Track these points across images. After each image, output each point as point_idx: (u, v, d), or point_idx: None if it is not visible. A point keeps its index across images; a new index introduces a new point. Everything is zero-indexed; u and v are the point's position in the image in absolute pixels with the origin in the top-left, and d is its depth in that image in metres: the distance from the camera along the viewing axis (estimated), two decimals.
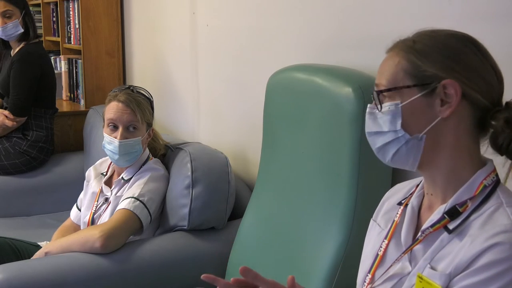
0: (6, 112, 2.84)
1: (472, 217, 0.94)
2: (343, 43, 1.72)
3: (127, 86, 2.03)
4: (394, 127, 0.99)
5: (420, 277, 0.95)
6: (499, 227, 0.89)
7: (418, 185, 1.09)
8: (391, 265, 1.04)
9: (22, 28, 2.88)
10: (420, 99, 0.97)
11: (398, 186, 1.19)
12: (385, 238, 1.09)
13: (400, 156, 1.00)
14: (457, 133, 0.97)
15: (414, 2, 1.47)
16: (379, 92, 1.00)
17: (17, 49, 2.91)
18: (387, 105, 0.99)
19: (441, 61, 0.96)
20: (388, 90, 0.99)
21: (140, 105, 1.96)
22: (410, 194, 1.10)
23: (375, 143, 1.02)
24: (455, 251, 0.93)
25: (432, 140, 0.98)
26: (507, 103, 0.97)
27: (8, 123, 2.83)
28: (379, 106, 1.00)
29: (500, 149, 0.96)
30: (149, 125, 2.02)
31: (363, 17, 1.64)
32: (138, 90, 2.02)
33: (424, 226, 1.01)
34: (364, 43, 1.63)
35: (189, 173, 1.95)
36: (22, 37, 2.91)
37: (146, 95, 2.03)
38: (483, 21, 1.29)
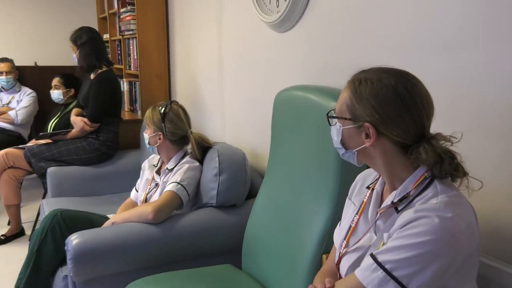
0: (85, 120, 2.86)
1: (415, 200, 0.94)
2: (333, 69, 1.71)
3: (167, 102, 2.05)
4: (337, 141, 1.03)
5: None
6: (429, 205, 0.89)
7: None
8: (362, 236, 1.04)
9: (83, 61, 2.87)
10: (353, 129, 0.99)
11: (367, 171, 1.18)
12: (356, 214, 1.09)
13: (343, 158, 1.06)
14: (385, 157, 0.98)
15: (390, 37, 1.46)
16: (331, 116, 1.05)
17: (95, 74, 2.90)
18: (336, 124, 1.03)
19: (369, 108, 0.95)
20: (335, 117, 1.03)
21: (149, 113, 2.03)
22: (375, 180, 1.10)
23: (334, 143, 1.07)
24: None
25: (364, 155, 1.01)
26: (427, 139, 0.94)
27: (87, 128, 2.86)
28: (332, 121, 1.05)
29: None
30: (156, 129, 2.00)
31: (349, 50, 1.63)
32: (162, 105, 2.02)
33: (381, 207, 1.01)
34: (349, 69, 1.60)
35: (217, 164, 1.96)
36: (93, 66, 2.89)
37: (161, 110, 2.01)
38: (445, 50, 1.28)
